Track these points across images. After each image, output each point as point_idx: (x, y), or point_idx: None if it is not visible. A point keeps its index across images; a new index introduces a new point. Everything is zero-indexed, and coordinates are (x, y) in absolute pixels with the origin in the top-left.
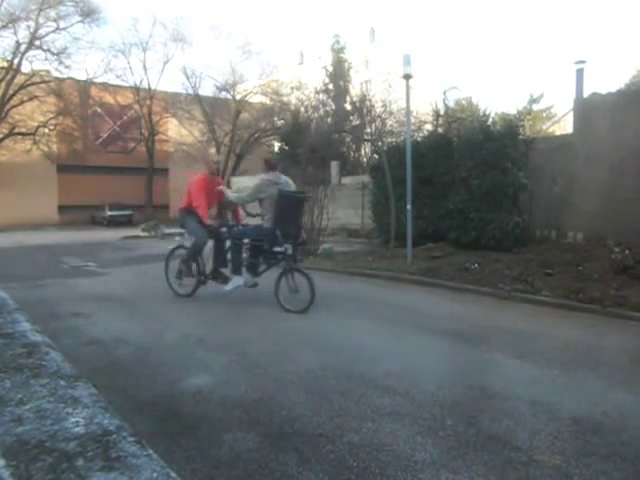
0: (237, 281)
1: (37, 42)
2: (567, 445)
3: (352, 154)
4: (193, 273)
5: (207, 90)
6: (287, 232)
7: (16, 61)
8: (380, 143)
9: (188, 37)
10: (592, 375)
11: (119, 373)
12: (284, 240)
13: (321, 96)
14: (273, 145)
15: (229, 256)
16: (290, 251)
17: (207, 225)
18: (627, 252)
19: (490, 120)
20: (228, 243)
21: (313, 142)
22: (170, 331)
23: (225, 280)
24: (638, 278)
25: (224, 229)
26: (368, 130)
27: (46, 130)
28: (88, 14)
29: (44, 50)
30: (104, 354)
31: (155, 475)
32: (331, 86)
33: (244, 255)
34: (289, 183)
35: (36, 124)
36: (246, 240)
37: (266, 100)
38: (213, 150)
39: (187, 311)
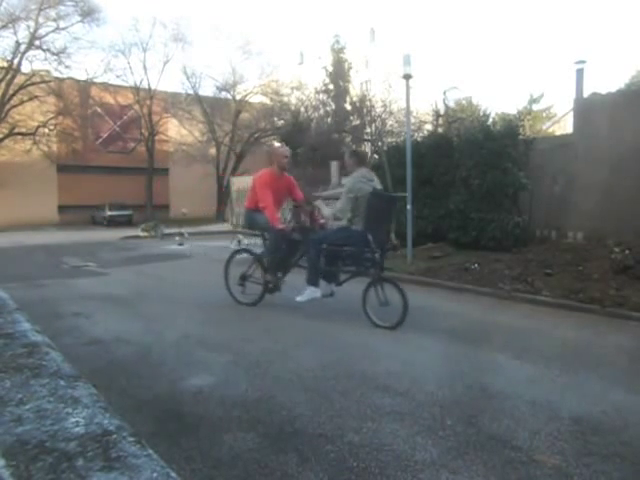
0: (313, 293)
1: (37, 42)
2: (567, 445)
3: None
4: (279, 270)
5: (207, 90)
6: (377, 236)
7: (16, 61)
8: (380, 143)
9: (188, 37)
10: (592, 375)
11: (119, 373)
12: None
13: (321, 96)
14: (273, 145)
15: (304, 264)
16: (379, 258)
17: (278, 230)
18: (627, 252)
19: (490, 120)
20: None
21: (313, 142)
22: (170, 331)
23: (274, 280)
24: (638, 278)
25: (297, 234)
26: (368, 130)
27: (46, 130)
28: (88, 14)
29: (44, 50)
30: (104, 354)
31: (155, 475)
32: (331, 86)
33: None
34: (379, 181)
35: (36, 124)
36: (325, 245)
37: (266, 100)
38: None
39: (187, 311)
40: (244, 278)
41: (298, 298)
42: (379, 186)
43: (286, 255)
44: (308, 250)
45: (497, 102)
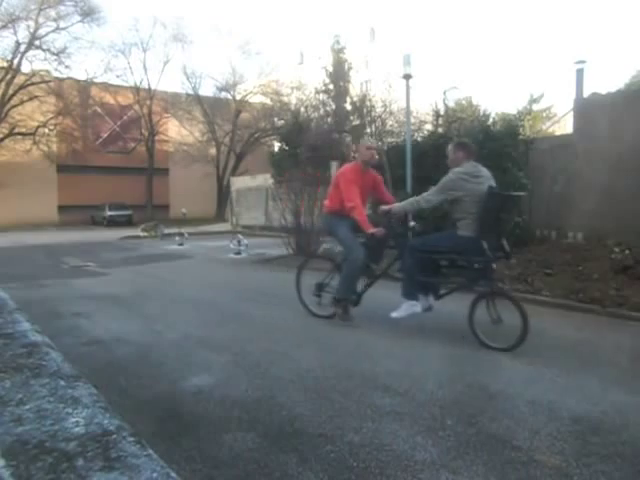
0: (412, 307)
1: (37, 42)
2: (567, 445)
3: (352, 154)
4: (353, 303)
5: (207, 90)
6: (490, 243)
7: (16, 61)
8: (380, 143)
9: (188, 37)
10: (592, 375)
11: (119, 373)
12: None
13: (321, 96)
14: (273, 145)
15: (400, 275)
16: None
17: (369, 235)
18: (627, 252)
19: (490, 120)
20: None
21: (313, 142)
22: (171, 331)
23: (344, 317)
24: (638, 278)
25: (390, 240)
26: (368, 130)
27: (46, 130)
28: (88, 14)
29: (44, 50)
30: (104, 354)
31: (155, 475)
32: (331, 86)
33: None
34: (490, 176)
35: (36, 124)
36: (424, 253)
37: (266, 100)
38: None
39: (187, 311)
40: (321, 287)
41: (394, 314)
42: (492, 182)
43: (370, 263)
44: (404, 258)
45: (497, 102)
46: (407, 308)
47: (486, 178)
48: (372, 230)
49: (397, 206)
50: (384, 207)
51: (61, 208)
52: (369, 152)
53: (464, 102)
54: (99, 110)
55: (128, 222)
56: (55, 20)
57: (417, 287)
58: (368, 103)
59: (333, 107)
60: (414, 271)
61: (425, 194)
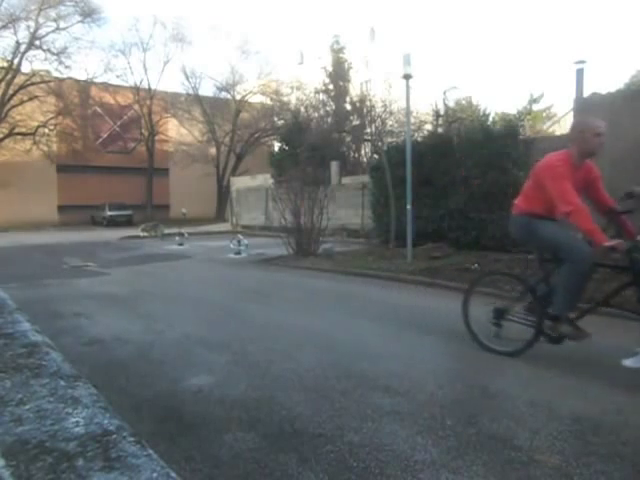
0: None
1: (37, 42)
2: (567, 445)
3: (352, 154)
4: (573, 315)
5: (207, 90)
6: None
7: (16, 61)
8: (380, 143)
9: (188, 37)
10: (592, 375)
11: (119, 372)
12: None
13: (321, 96)
14: (273, 145)
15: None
16: None
17: (604, 248)
18: None
19: (490, 120)
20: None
21: (313, 142)
22: (171, 330)
23: (576, 334)
24: None
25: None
26: (368, 130)
27: (46, 130)
28: (88, 14)
29: (44, 50)
30: (105, 354)
31: (155, 475)
32: (331, 86)
33: None
34: None
35: (36, 124)
36: None
37: (266, 100)
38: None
39: (187, 310)
40: (501, 314)
41: (628, 362)
42: None
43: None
44: None
45: (497, 102)
46: None
47: None
48: (610, 243)
49: None
50: None
51: (61, 208)
52: (596, 140)
53: (464, 102)
54: (99, 110)
55: (128, 222)
56: (55, 20)
57: None
58: (368, 103)
59: (333, 107)
60: None
61: None
